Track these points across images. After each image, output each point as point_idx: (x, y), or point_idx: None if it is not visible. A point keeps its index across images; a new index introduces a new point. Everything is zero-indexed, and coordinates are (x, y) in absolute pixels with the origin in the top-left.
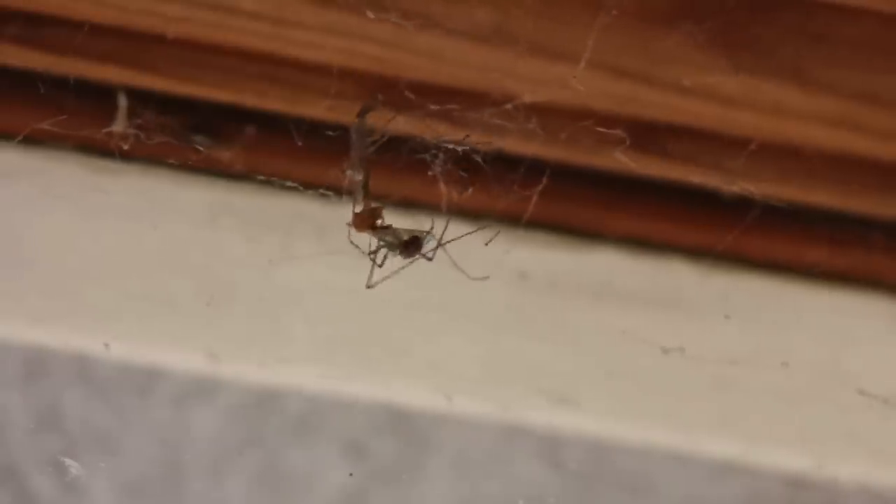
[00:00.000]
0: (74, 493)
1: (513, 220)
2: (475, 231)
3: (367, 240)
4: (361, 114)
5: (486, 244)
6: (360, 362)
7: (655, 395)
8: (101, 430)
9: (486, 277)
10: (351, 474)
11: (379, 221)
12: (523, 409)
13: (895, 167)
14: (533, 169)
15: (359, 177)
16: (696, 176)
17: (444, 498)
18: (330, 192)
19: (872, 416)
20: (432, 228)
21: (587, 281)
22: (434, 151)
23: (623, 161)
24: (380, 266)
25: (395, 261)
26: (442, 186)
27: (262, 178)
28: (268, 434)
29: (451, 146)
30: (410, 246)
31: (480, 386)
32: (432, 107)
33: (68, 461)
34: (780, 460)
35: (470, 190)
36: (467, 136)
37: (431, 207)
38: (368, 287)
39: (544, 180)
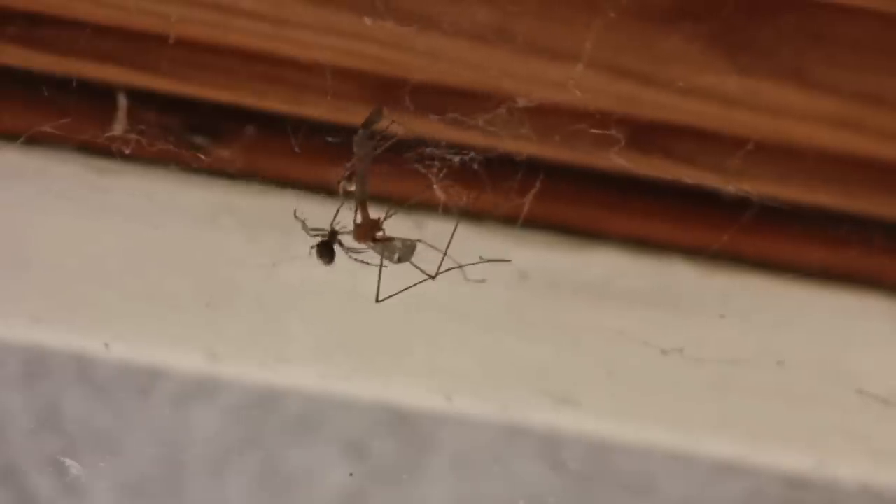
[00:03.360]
0: (74, 493)
1: (512, 220)
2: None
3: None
4: (366, 125)
5: (480, 257)
6: (360, 362)
7: (655, 395)
8: (101, 430)
9: (483, 280)
10: (351, 474)
11: (379, 234)
12: (523, 409)
13: (895, 167)
14: (531, 169)
15: (355, 187)
16: (696, 176)
17: (444, 498)
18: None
19: (871, 415)
20: (420, 241)
21: (587, 281)
22: (434, 153)
23: (622, 162)
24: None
25: (405, 276)
26: (438, 190)
27: (262, 178)
28: (268, 434)
29: (451, 149)
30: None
31: (480, 386)
32: (432, 108)
33: (68, 461)
34: (780, 460)
35: (463, 196)
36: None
37: (430, 207)
38: (378, 301)
39: (538, 184)
